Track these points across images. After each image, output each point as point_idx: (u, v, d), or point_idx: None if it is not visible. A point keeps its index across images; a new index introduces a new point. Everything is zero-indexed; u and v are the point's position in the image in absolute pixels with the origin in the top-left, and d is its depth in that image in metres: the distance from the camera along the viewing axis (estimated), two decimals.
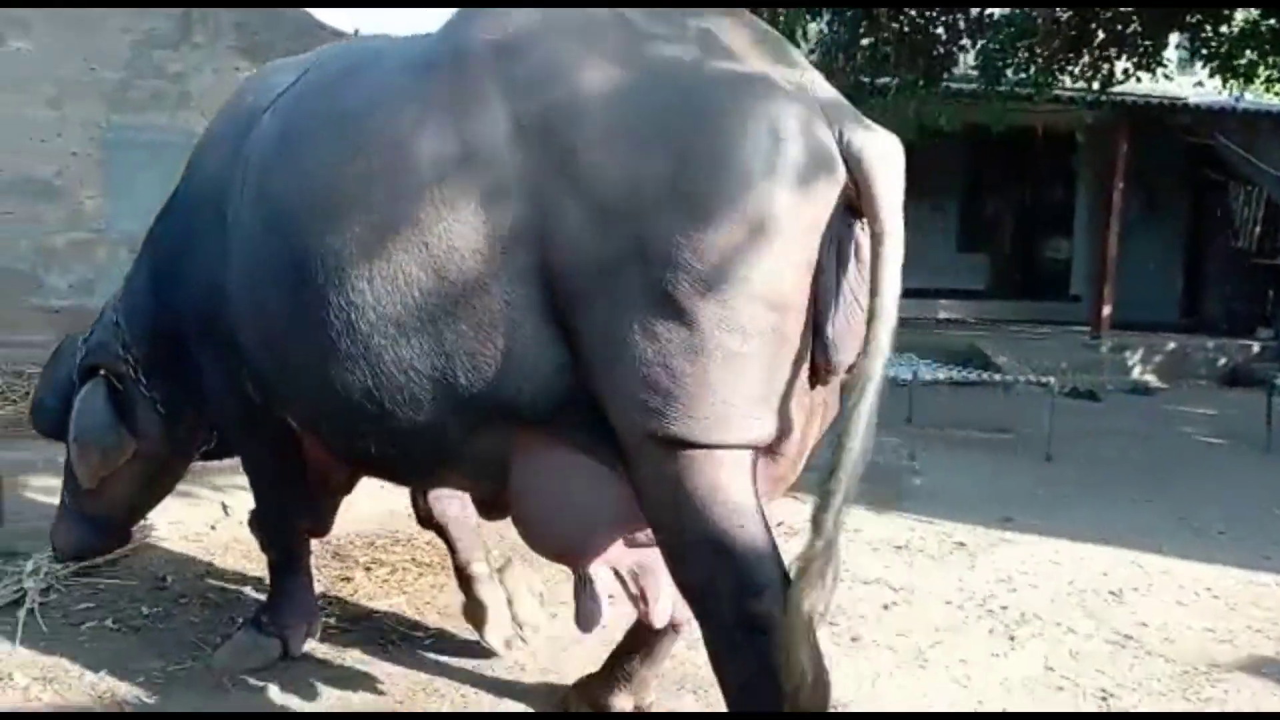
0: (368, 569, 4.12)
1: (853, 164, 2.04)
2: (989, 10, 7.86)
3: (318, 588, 3.84)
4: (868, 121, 2.14)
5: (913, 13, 7.59)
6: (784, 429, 2.11)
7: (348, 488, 3.41)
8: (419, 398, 2.27)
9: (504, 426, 2.26)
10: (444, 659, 3.32)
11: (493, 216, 2.12)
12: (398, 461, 2.52)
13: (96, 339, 3.35)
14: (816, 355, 2.10)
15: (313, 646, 3.33)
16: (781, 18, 7.89)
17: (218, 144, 2.93)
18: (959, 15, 7.64)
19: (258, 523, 3.35)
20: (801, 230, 2.03)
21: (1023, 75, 8.59)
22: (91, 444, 3.20)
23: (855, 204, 2.06)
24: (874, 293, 1.99)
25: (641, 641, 2.88)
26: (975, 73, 8.65)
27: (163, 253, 3.16)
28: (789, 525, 5.05)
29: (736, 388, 2.02)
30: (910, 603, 4.00)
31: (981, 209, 15.97)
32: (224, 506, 4.56)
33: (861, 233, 2.09)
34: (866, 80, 7.72)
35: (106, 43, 8.48)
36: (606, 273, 2.03)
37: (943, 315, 14.43)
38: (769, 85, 2.07)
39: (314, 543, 4.35)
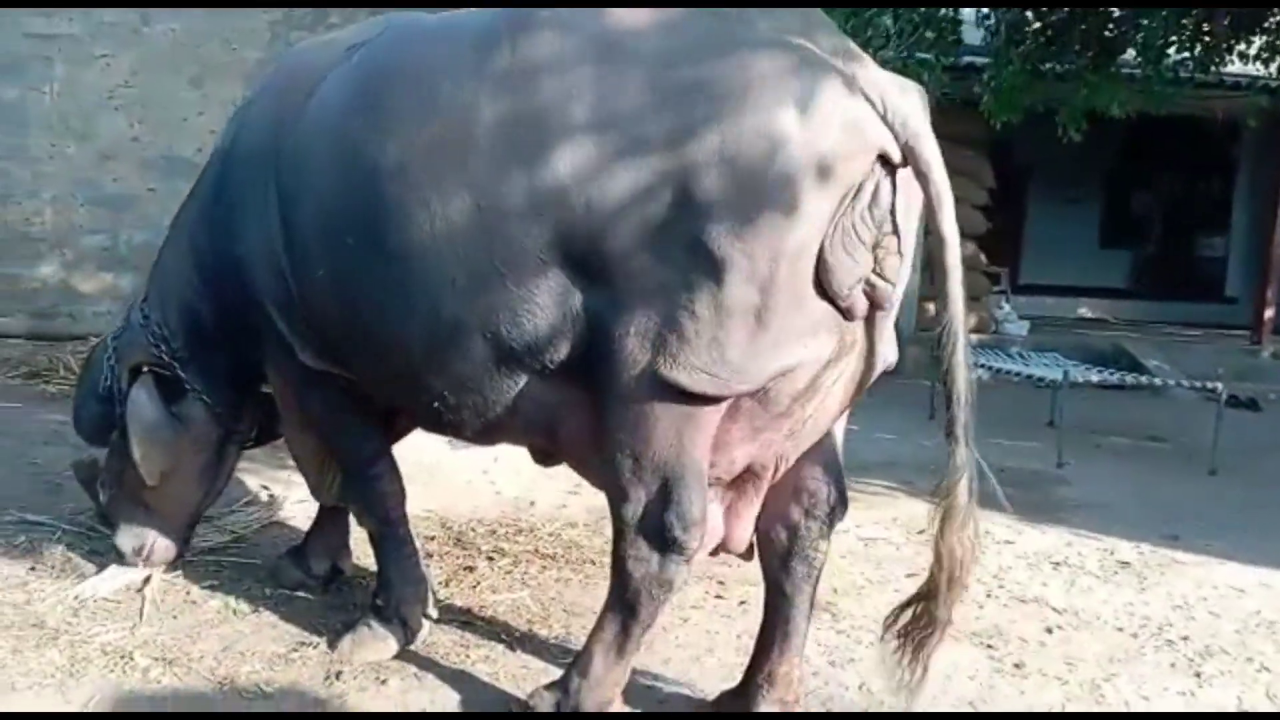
0: (490, 559, 3.97)
1: (899, 131, 2.26)
2: None
3: (440, 574, 3.74)
4: (903, 83, 2.38)
5: None
6: (790, 370, 2.35)
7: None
8: (472, 351, 2.49)
9: (547, 379, 2.49)
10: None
11: (536, 178, 2.32)
12: (455, 414, 2.68)
13: (127, 339, 3.39)
14: (829, 292, 2.30)
15: (436, 639, 3.19)
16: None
17: (265, 115, 3.00)
18: None
19: (348, 492, 3.26)
20: (829, 197, 2.24)
21: (1186, 56, 7.96)
22: (151, 439, 3.23)
23: (885, 155, 2.27)
24: (939, 245, 2.32)
25: (775, 639, 2.79)
26: (1135, 55, 8.08)
27: (202, 234, 3.20)
28: (907, 526, 4.75)
29: (739, 340, 2.27)
30: (1076, 627, 3.63)
31: (1126, 202, 15.09)
32: None
33: (884, 180, 2.29)
34: (1031, 67, 7.20)
35: (247, 23, 8.61)
36: (650, 226, 2.25)
37: (1082, 314, 13.63)
38: (803, 51, 2.28)
39: (436, 527, 4.29)
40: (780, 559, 2.76)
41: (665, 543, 2.45)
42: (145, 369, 3.32)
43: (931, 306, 10.23)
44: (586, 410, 2.50)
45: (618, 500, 2.49)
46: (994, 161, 10.97)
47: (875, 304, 2.39)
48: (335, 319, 2.79)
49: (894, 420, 7.91)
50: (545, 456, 2.93)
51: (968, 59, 8.85)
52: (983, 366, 7.94)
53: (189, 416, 3.34)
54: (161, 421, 3.27)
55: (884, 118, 2.26)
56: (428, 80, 2.51)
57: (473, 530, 4.30)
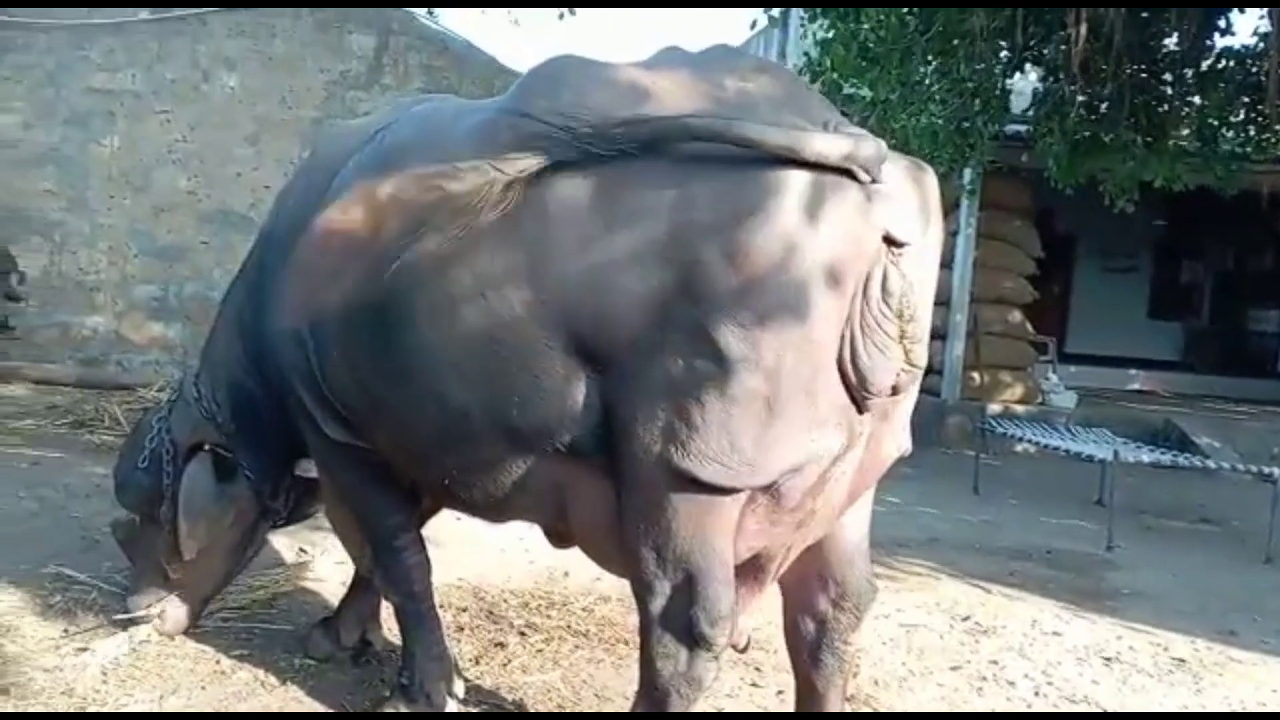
0: (522, 634, 3.90)
1: (885, 221, 2.26)
2: (1213, 63, 7.21)
3: (471, 650, 3.68)
4: (892, 166, 2.35)
5: (1136, 67, 7.01)
6: (801, 466, 2.31)
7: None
8: (481, 434, 2.50)
9: (556, 460, 2.46)
10: None
11: (541, 271, 2.33)
12: (468, 491, 2.69)
13: (181, 413, 3.46)
14: (851, 385, 2.30)
15: None
16: (979, 70, 7.48)
17: (297, 199, 3.10)
18: (1186, 70, 7.02)
19: (374, 564, 3.23)
20: (836, 280, 2.23)
21: (1242, 136, 7.89)
22: (201, 515, 3.30)
23: (890, 238, 2.28)
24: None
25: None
26: (1186, 131, 8.00)
27: (245, 312, 3.30)
28: (950, 611, 4.62)
29: (749, 429, 2.24)
30: None
31: (1176, 272, 14.89)
32: None
33: (891, 266, 2.28)
34: (1081, 138, 7.15)
35: (304, 82, 8.81)
36: (651, 312, 2.25)
37: (1131, 387, 13.37)
38: (805, 141, 2.23)
39: (469, 598, 4.24)
40: (810, 652, 2.72)
41: (693, 639, 2.39)
42: (206, 447, 3.38)
43: (976, 376, 10.17)
44: (597, 495, 2.47)
45: (641, 594, 2.44)
46: (1039, 229, 10.89)
47: (895, 391, 2.38)
48: (350, 396, 2.81)
49: (937, 493, 7.78)
50: (559, 538, 2.89)
51: (1015, 128, 8.85)
52: (1029, 441, 7.78)
53: (236, 496, 3.39)
54: (214, 501, 3.34)
55: (880, 209, 2.26)
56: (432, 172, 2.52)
57: (505, 602, 4.24)
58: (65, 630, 3.57)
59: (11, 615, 3.63)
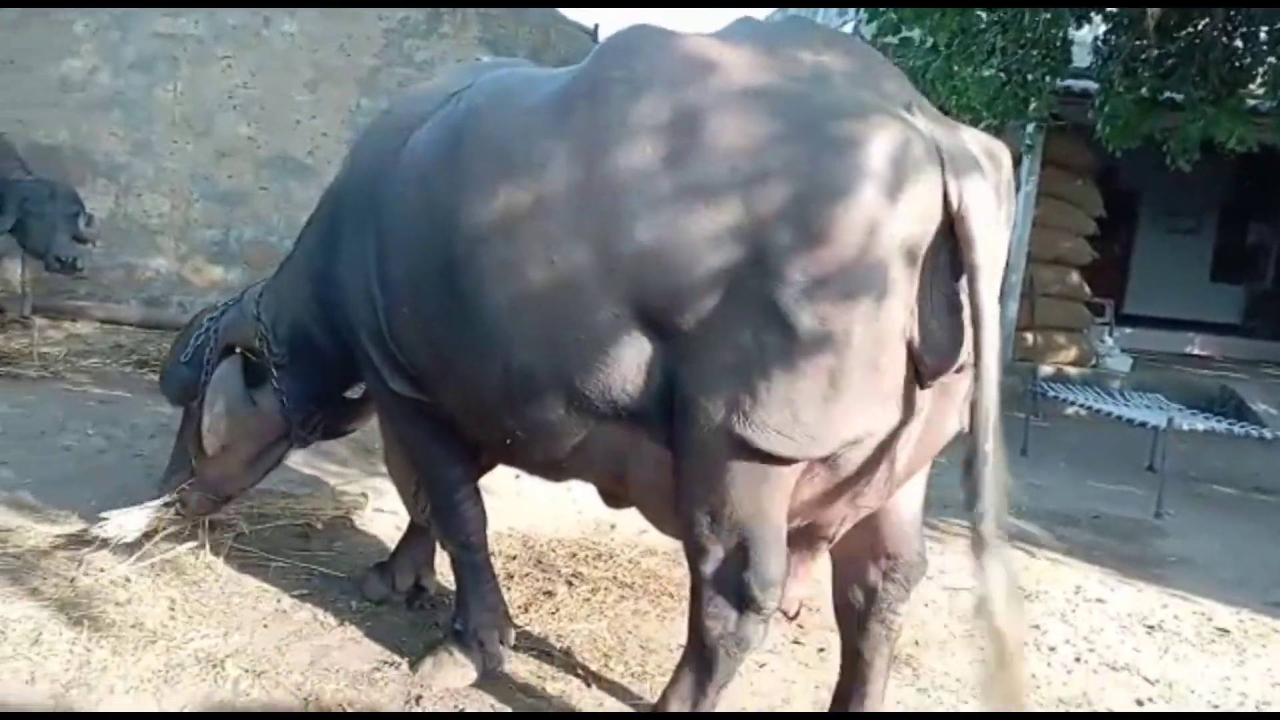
0: (570, 583, 4.00)
1: (953, 200, 2.24)
2: None
3: (520, 597, 3.78)
4: (970, 142, 2.37)
5: (1206, 23, 6.79)
6: (861, 439, 2.34)
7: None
8: (543, 396, 2.54)
9: (617, 424, 2.51)
10: (645, 700, 3.14)
11: (610, 240, 2.35)
12: (529, 451, 2.77)
13: (233, 319, 3.63)
14: (915, 360, 2.30)
15: (513, 668, 3.23)
16: (1042, 20, 7.28)
17: (371, 159, 3.14)
18: (1260, 27, 6.78)
19: (432, 514, 3.34)
20: (904, 256, 2.22)
21: None
22: (224, 414, 3.51)
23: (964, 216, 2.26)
24: (975, 320, 2.24)
25: (851, 698, 2.84)
26: (1260, 89, 7.75)
27: (316, 258, 3.38)
28: (1019, 584, 4.59)
29: (812, 401, 2.25)
30: (1169, 699, 3.50)
31: (1241, 235, 14.49)
32: None
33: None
34: (1147, 96, 6.96)
35: (362, 29, 8.83)
36: (722, 285, 2.26)
37: (1189, 350, 13.11)
38: (881, 116, 2.26)
39: (519, 546, 4.35)
40: (858, 621, 2.75)
41: (743, 601, 2.46)
42: (238, 350, 3.56)
43: (1030, 336, 10.03)
44: (656, 459, 2.52)
45: (695, 556, 2.50)
46: (1101, 187, 10.65)
47: (960, 368, 2.38)
48: (418, 354, 2.88)
49: None
50: (613, 499, 2.96)
51: (1080, 84, 8.62)
52: (1080, 405, 7.71)
53: (262, 407, 3.57)
54: (238, 400, 3.53)
55: (947, 186, 2.24)
56: (505, 141, 2.56)
57: (553, 551, 4.34)
58: (134, 564, 3.72)
59: (83, 549, 3.79)
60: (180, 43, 8.73)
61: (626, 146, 2.36)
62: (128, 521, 3.67)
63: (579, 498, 4.97)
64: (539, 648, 3.42)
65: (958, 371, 2.41)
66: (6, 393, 6.03)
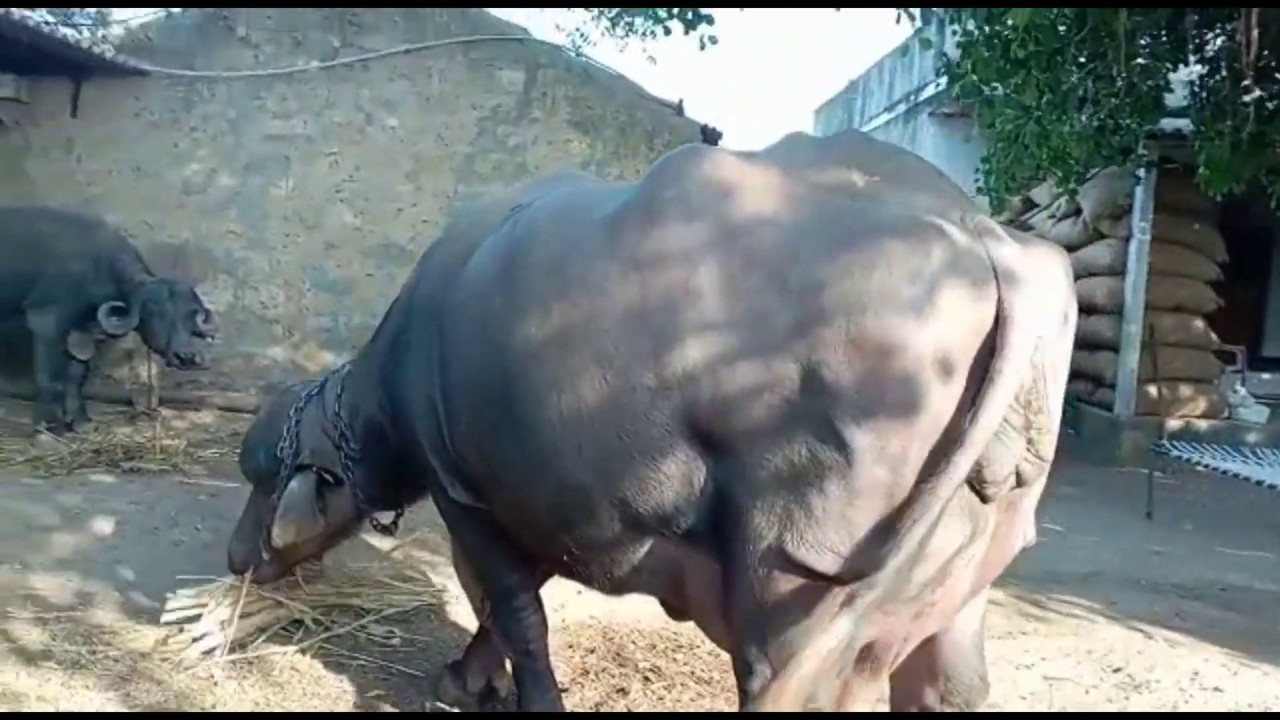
0: (646, 679, 3.95)
1: (1002, 314, 2.16)
2: None
3: (594, 695, 3.76)
4: (1023, 252, 2.25)
5: None
6: (931, 554, 2.23)
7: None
8: (596, 513, 2.54)
9: (672, 542, 2.50)
10: None
11: (664, 359, 2.35)
12: (584, 568, 2.77)
13: (313, 418, 3.78)
14: (973, 476, 2.19)
15: None
16: (1139, 63, 7.02)
17: (439, 266, 3.22)
18: None
19: (493, 621, 3.38)
20: (958, 370, 2.16)
21: None
22: (294, 522, 3.69)
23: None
24: (972, 417, 2.12)
25: None
26: None
27: (388, 362, 3.47)
28: (1102, 661, 4.32)
29: (870, 521, 2.19)
30: None
31: None
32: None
33: None
34: (1248, 139, 6.60)
35: (458, 119, 9.17)
36: (775, 402, 2.22)
37: None
38: (933, 230, 2.21)
39: (599, 638, 4.33)
40: None
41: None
42: (314, 469, 3.69)
43: (1153, 389, 9.53)
44: (713, 575, 2.47)
45: (742, 672, 2.44)
46: (1229, 223, 10.09)
47: (1021, 483, 2.28)
48: (476, 466, 2.92)
49: (1105, 518, 7.36)
50: (674, 611, 2.91)
51: (1177, 125, 8.26)
52: (1209, 468, 7.22)
53: (335, 507, 3.74)
54: (308, 515, 3.70)
55: (999, 298, 2.16)
56: (562, 259, 2.59)
57: (633, 644, 4.30)
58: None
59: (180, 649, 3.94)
60: (291, 143, 9.22)
61: (678, 265, 2.37)
62: (187, 604, 3.93)
63: None
64: None
65: (1019, 486, 2.31)
66: (130, 488, 6.37)
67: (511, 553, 3.16)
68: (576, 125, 9.06)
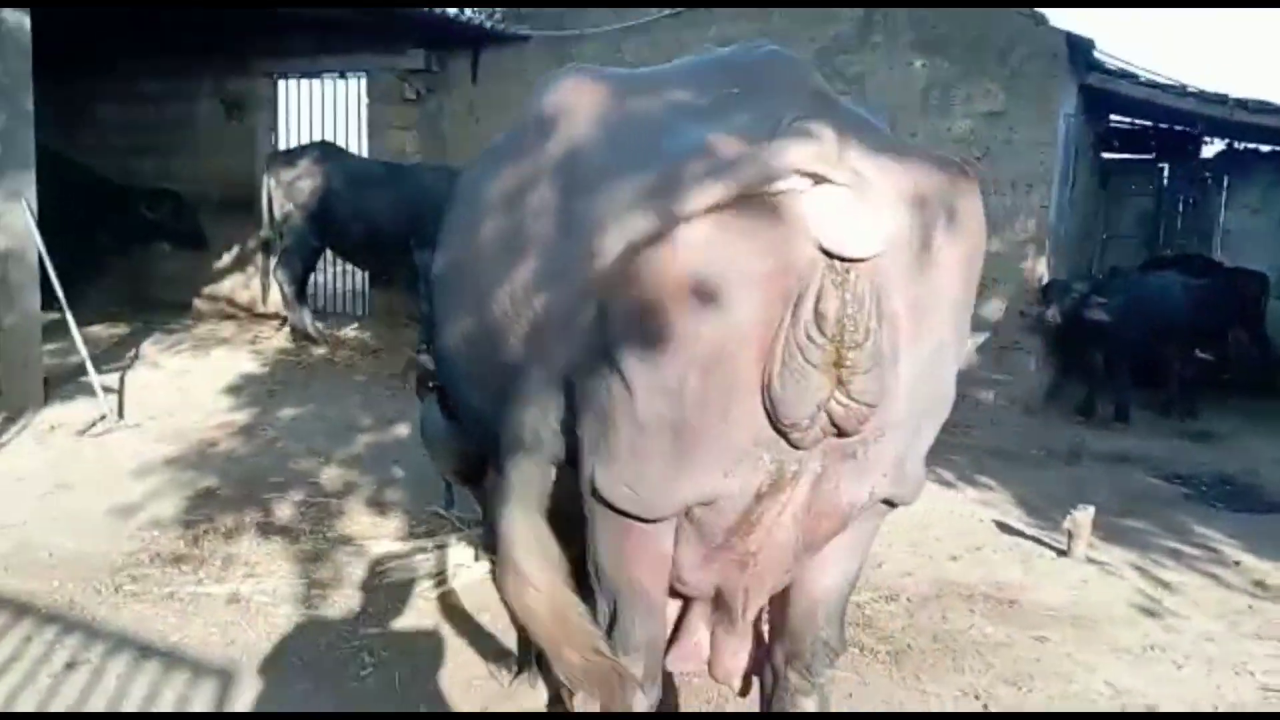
0: None
1: (814, 224, 1.88)
2: None
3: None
4: (847, 172, 1.88)
5: None
6: (713, 500, 2.11)
7: None
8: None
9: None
10: None
11: (513, 281, 2.40)
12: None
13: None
14: (772, 416, 1.98)
15: None
16: None
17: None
18: None
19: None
20: (752, 300, 1.92)
21: None
22: (435, 446, 3.84)
23: (829, 251, 1.89)
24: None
25: None
26: None
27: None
28: None
29: (657, 456, 2.06)
30: None
31: None
32: None
33: (830, 284, 1.89)
34: None
35: (797, 50, 8.97)
36: (580, 333, 2.17)
37: None
38: (714, 151, 1.99)
39: None
40: (765, 704, 2.55)
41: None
42: (432, 385, 3.83)
43: None
44: None
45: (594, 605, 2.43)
46: None
47: (842, 430, 1.96)
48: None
49: None
50: None
51: None
52: None
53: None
54: (444, 434, 3.70)
55: (814, 218, 1.87)
56: (470, 198, 2.77)
57: None
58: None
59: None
60: None
61: (526, 188, 2.43)
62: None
63: None
64: None
65: (840, 434, 2.01)
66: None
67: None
68: (919, 46, 8.45)
